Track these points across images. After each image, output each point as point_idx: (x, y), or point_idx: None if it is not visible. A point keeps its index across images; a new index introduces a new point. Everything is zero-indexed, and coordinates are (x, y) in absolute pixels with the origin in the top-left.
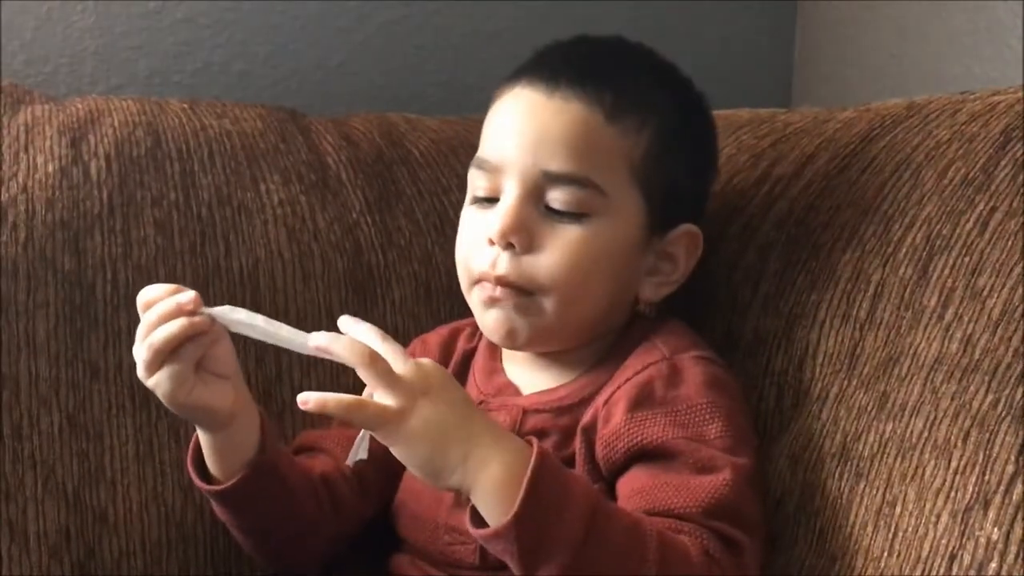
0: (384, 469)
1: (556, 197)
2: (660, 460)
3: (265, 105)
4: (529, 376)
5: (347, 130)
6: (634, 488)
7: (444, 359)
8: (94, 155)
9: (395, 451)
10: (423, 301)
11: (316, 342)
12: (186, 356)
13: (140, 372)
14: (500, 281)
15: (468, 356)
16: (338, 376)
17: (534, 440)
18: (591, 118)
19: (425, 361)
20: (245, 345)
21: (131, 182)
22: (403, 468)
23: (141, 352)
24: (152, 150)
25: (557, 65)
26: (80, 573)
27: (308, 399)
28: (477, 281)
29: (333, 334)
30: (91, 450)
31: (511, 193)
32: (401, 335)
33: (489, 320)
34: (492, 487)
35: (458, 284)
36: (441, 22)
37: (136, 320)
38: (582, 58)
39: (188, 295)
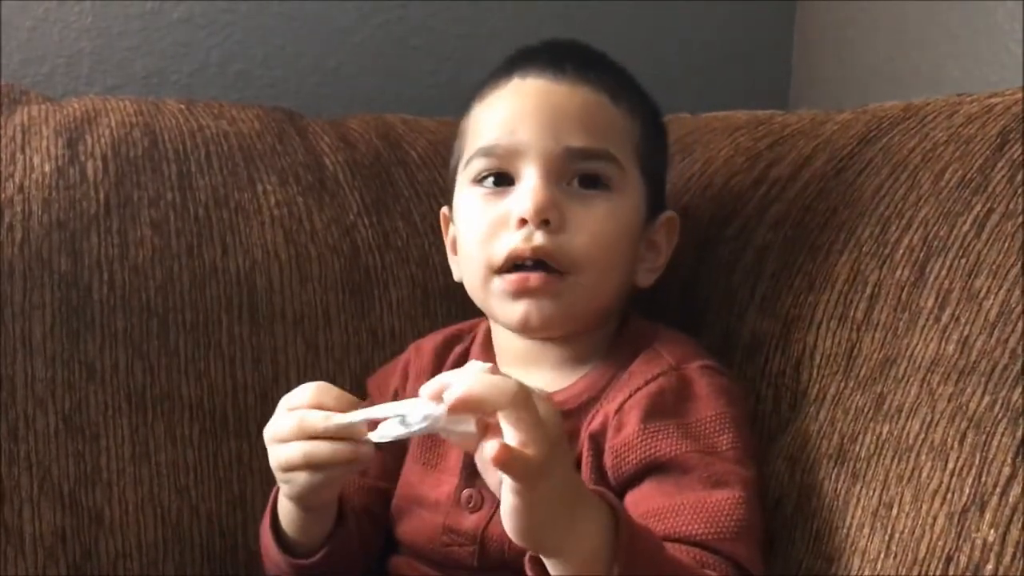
0: (386, 502)
1: (582, 172)
2: (673, 475)
3: (262, 106)
4: (527, 380)
5: (344, 131)
6: (650, 508)
7: (438, 365)
8: (91, 155)
9: (512, 504)
10: (420, 303)
11: (449, 397)
12: (335, 474)
13: (275, 463)
14: (538, 252)
15: (461, 358)
16: (335, 379)
17: (616, 504)
18: (600, 98)
19: (547, 396)
20: (241, 345)
21: (128, 183)
22: (394, 485)
23: (290, 453)
24: (149, 151)
25: (556, 55)
26: (76, 574)
27: (496, 453)
28: (499, 270)
29: (458, 379)
30: (87, 451)
31: (535, 173)
32: (398, 337)
33: (519, 309)
34: (580, 560)
35: (455, 286)
36: (438, 24)
37: (134, 322)
38: (575, 49)
39: (363, 427)
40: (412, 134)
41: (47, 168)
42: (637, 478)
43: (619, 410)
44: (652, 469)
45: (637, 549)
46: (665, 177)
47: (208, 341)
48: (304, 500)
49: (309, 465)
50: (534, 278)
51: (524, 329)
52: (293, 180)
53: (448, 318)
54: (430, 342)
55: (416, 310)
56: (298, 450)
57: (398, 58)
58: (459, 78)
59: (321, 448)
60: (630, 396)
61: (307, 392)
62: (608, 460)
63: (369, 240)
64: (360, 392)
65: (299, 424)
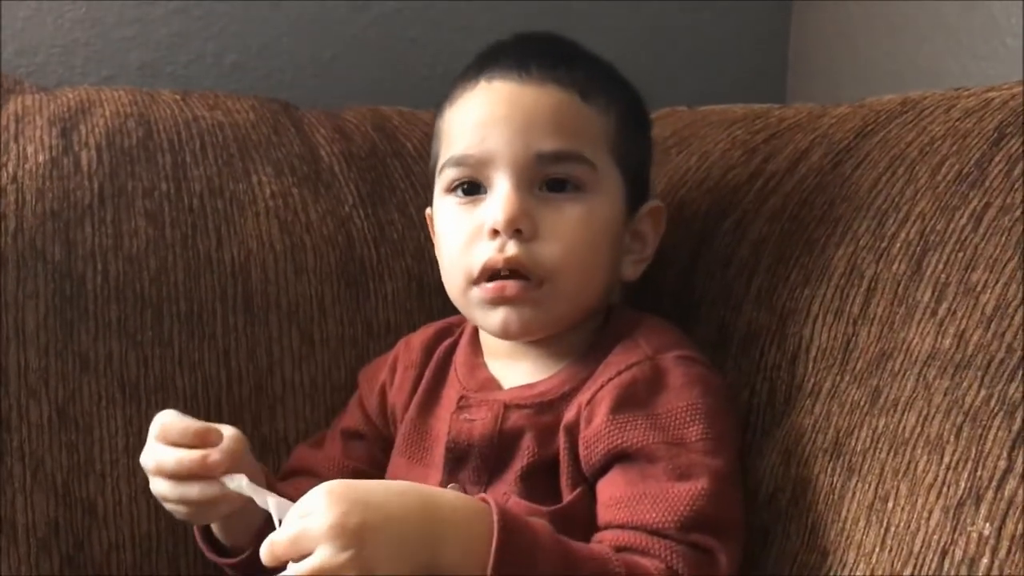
0: None
1: (553, 176)
2: (638, 465)
3: (258, 97)
4: (511, 370)
5: (340, 123)
6: (613, 496)
7: (426, 359)
8: (85, 145)
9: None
10: (415, 295)
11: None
12: (207, 507)
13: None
14: (511, 263)
15: (449, 351)
16: (329, 371)
17: (491, 504)
18: (569, 98)
19: (331, 487)
20: (236, 336)
21: (122, 173)
22: (379, 473)
23: (158, 488)
24: (143, 141)
25: (522, 54)
26: (69, 566)
27: None
28: (476, 280)
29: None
30: (80, 442)
31: (506, 181)
32: (393, 329)
33: (498, 318)
34: (460, 563)
35: None
36: (435, 15)
37: (127, 313)
38: (543, 46)
39: (215, 458)
40: (408, 126)
41: (41, 158)
42: (605, 467)
43: (591, 401)
44: (619, 458)
45: (517, 544)
46: (648, 166)
47: (202, 332)
48: (196, 519)
49: (171, 500)
50: (510, 287)
51: (505, 335)
52: (288, 171)
53: (443, 311)
54: (420, 336)
55: (411, 303)
56: (160, 484)
57: (394, 50)
58: (455, 70)
59: (174, 490)
60: (601, 387)
61: (155, 426)
62: (581, 452)
63: (364, 232)
64: (353, 385)
65: (159, 458)
